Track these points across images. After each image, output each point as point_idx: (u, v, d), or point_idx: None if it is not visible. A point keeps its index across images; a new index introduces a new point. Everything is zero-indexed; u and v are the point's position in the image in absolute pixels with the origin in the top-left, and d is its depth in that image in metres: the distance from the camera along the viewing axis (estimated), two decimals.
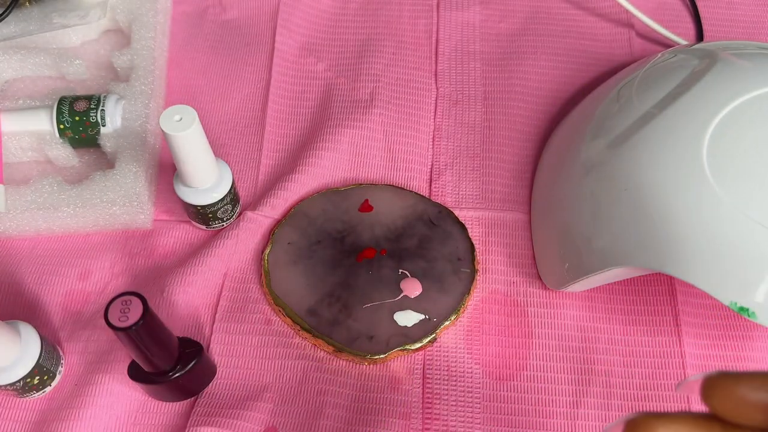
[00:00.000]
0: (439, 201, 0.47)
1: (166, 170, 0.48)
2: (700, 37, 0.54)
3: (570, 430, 0.39)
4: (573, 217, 0.42)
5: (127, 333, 0.31)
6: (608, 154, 0.40)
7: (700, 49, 0.44)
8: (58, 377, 0.40)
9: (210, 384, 0.41)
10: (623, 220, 0.38)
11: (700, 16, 0.55)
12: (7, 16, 0.50)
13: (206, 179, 0.41)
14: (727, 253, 0.34)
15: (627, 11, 0.54)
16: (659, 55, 0.46)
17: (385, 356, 0.40)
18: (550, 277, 0.43)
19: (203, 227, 0.45)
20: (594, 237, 0.40)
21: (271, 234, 0.45)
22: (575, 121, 0.47)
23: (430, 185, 0.48)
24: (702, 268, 0.35)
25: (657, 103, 0.40)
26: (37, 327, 0.39)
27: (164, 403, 0.40)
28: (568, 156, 0.44)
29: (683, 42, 0.52)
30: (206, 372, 0.40)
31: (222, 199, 0.43)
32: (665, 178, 0.37)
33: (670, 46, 0.52)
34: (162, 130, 0.37)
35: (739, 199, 0.35)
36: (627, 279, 0.41)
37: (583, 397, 0.40)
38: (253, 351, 0.42)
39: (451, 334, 0.42)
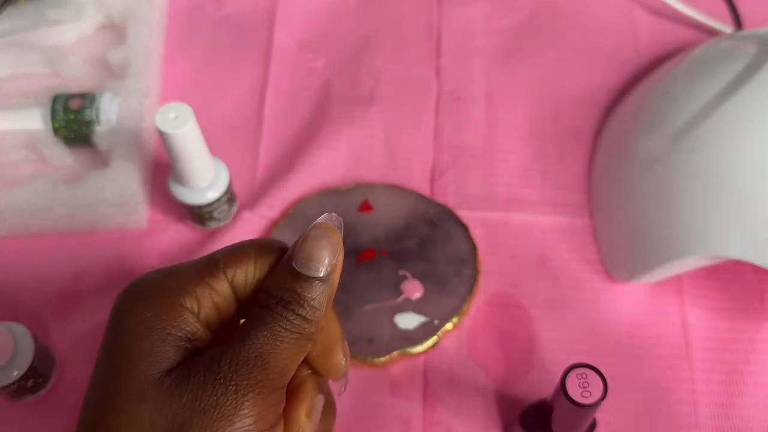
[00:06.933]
0: (440, 201, 0.46)
1: (162, 169, 0.48)
2: (738, 24, 0.52)
3: None
4: (644, 211, 0.42)
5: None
6: (673, 146, 0.41)
7: (756, 35, 0.44)
8: (52, 380, 0.40)
9: None
10: (699, 209, 0.38)
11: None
12: (0, 13, 0.49)
13: (202, 178, 0.41)
14: None
15: (631, 5, 0.53)
16: (709, 41, 0.46)
17: (385, 360, 0.40)
18: (620, 269, 0.43)
19: (199, 227, 0.45)
20: (667, 227, 0.40)
21: (269, 235, 0.44)
22: (625, 120, 0.47)
23: (432, 185, 0.47)
24: None
25: (721, 91, 0.40)
26: (30, 329, 0.38)
27: None
28: (626, 154, 0.44)
29: (714, 26, 0.51)
30: None
31: (218, 199, 0.42)
32: (745, 162, 0.37)
33: (671, 39, 0.52)
34: (157, 128, 0.37)
35: None
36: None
37: None
38: None
39: (453, 338, 0.42)
